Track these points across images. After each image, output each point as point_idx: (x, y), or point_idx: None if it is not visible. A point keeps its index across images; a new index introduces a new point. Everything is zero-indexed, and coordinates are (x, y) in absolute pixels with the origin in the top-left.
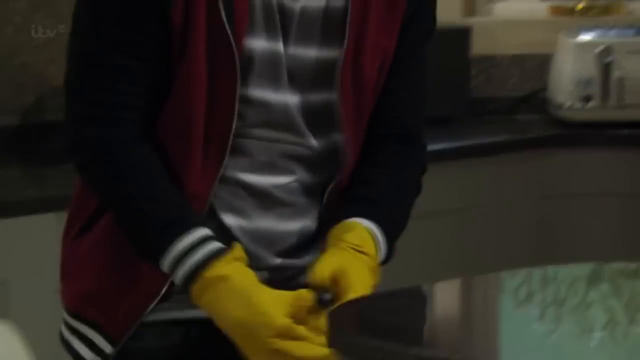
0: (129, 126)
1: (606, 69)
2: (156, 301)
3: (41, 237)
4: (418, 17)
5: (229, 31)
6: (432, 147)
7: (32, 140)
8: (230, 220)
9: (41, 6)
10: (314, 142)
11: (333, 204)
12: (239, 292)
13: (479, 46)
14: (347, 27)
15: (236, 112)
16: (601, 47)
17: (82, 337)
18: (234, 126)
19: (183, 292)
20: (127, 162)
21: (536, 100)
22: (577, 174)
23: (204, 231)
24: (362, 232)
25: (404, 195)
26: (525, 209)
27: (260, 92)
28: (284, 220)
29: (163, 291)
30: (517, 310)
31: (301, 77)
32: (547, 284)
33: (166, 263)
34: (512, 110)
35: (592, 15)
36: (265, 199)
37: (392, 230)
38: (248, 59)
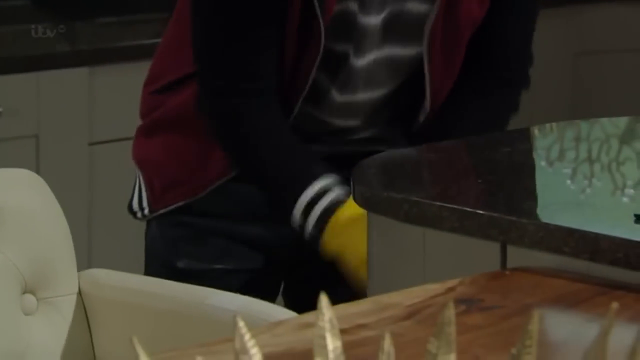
0: (265, 93)
1: None
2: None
3: (72, 91)
4: None
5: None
6: None
7: None
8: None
9: None
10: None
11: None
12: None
13: None
14: None
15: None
16: None
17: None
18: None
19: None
20: (257, 133)
21: None
22: (612, 30)
23: (325, 181)
24: None
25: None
26: (560, 65)
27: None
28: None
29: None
30: (550, 167)
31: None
32: (580, 142)
33: (297, 217)
34: None
35: None
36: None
37: None
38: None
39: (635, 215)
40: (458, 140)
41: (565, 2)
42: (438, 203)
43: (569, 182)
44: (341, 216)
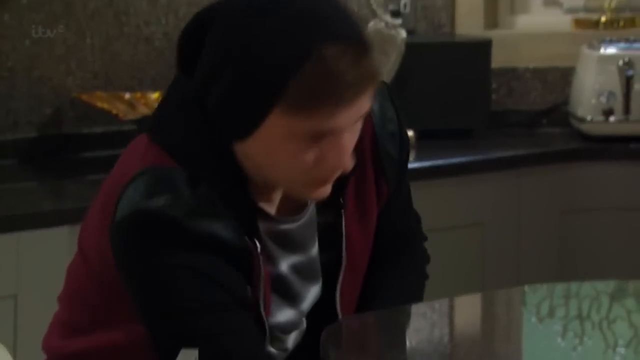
0: None
1: (628, 82)
2: None
3: (53, 250)
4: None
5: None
6: (453, 160)
7: (49, 152)
8: None
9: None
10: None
11: None
12: None
13: (500, 59)
14: (343, 236)
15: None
16: (623, 60)
17: None
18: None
19: None
20: None
21: (558, 113)
22: (599, 188)
23: None
24: None
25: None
26: (547, 223)
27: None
28: None
29: None
30: (540, 325)
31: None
32: (570, 299)
33: None
34: (534, 124)
35: (616, 29)
36: None
37: None
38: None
39: None
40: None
41: (551, 161)
42: None
43: (559, 340)
44: None
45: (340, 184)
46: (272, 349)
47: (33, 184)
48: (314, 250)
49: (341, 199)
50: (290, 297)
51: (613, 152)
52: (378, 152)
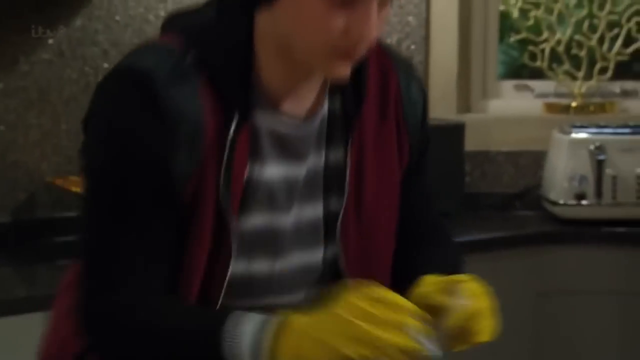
0: (152, 292)
1: (599, 166)
2: None
3: (27, 337)
4: (420, 163)
5: (225, 209)
6: None
7: (22, 237)
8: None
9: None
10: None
11: None
12: (313, 336)
13: (473, 143)
14: (346, 180)
15: (225, 285)
16: (594, 145)
17: None
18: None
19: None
20: (154, 314)
21: (531, 196)
22: (574, 272)
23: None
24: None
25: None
26: (522, 306)
27: (253, 265)
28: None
29: None
30: None
31: (301, 237)
32: None
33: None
34: (507, 207)
35: (586, 113)
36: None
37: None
38: (243, 234)
39: None
40: None
41: (525, 244)
42: None
43: None
44: (282, 341)
45: (360, 78)
46: (243, 301)
47: (7, 270)
48: (312, 163)
49: (352, 138)
50: (275, 208)
51: (586, 236)
52: (402, 104)
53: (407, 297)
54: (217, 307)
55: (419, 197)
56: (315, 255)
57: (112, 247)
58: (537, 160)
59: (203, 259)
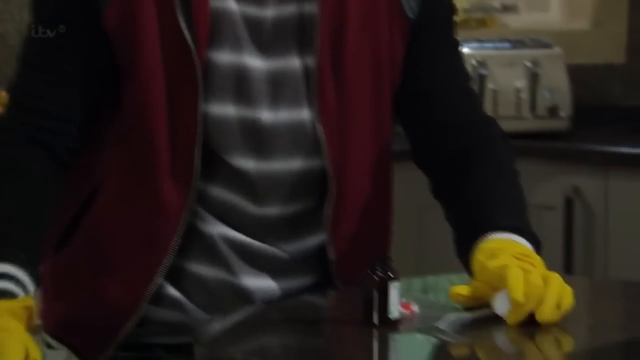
0: (39, 142)
1: (481, 81)
2: (128, 326)
3: None
4: (429, 20)
5: (189, 40)
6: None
7: None
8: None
9: None
10: (294, 164)
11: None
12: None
13: None
14: (317, 33)
15: (199, 130)
16: (476, 59)
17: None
18: (196, 145)
19: None
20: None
21: None
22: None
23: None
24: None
25: (506, 178)
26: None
27: (223, 109)
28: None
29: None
30: None
31: (278, 91)
32: (428, 293)
33: None
34: None
35: (468, 29)
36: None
37: (521, 218)
38: (210, 71)
39: None
40: None
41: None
42: None
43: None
44: None
45: None
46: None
47: None
48: (279, 10)
49: None
50: (241, 47)
51: None
52: None
53: (471, 258)
54: (194, 154)
55: (446, 73)
56: (299, 114)
57: (23, 64)
58: None
59: (158, 91)
